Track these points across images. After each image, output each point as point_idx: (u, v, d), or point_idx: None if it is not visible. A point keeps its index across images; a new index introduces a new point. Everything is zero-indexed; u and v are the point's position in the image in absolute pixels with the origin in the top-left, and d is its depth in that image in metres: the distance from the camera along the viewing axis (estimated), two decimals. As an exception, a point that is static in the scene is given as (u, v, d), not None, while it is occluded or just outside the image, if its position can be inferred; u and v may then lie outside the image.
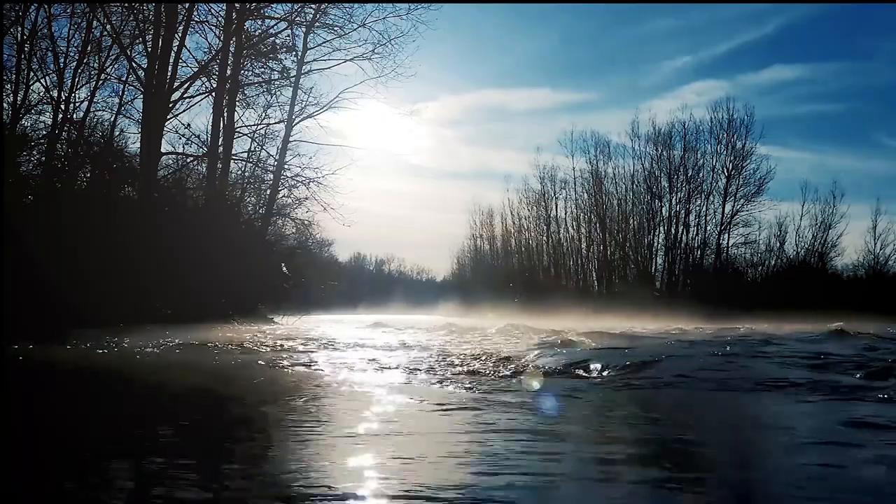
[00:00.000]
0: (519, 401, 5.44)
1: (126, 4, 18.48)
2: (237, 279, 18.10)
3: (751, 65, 78.45)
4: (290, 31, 21.69)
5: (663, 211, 46.24)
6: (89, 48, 18.23)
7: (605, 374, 7.17)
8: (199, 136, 21.02)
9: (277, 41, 21.88)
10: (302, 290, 23.90)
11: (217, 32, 20.58)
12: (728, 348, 10.32)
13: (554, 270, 51.99)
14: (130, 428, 4.35)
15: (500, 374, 7.13)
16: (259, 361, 8.44)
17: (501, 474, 3.08)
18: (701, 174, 45.28)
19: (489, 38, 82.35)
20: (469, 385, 6.31)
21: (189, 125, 21.00)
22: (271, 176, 22.91)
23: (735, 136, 44.49)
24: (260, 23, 21.84)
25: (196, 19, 20.11)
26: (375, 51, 21.04)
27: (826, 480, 3.11)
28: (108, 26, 18.26)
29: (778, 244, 44.47)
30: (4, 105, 16.17)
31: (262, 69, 22.26)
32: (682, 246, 45.49)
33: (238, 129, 21.52)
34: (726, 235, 44.64)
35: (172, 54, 18.90)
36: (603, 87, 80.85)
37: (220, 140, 20.57)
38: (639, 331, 18.24)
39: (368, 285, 76.62)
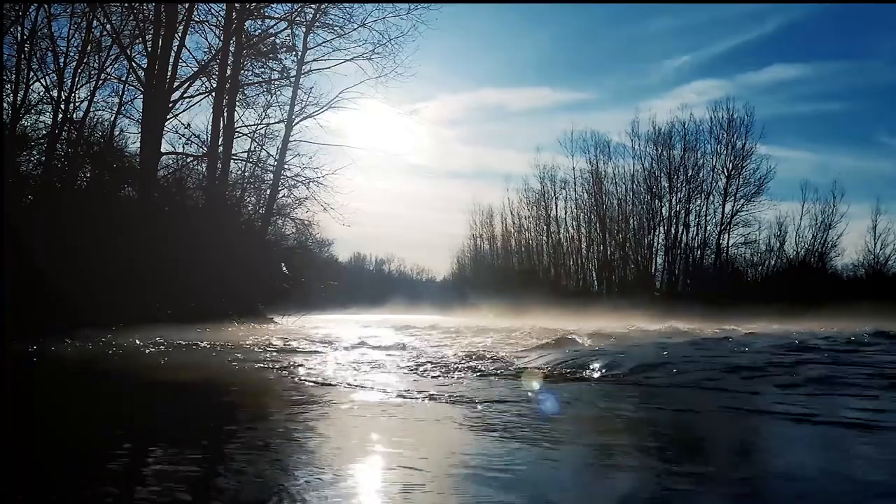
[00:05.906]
0: (519, 401, 5.43)
1: (126, 4, 18.50)
2: (237, 279, 18.11)
3: (751, 64, 78.62)
4: (290, 31, 21.77)
5: (663, 211, 46.35)
6: (89, 48, 18.24)
7: (604, 374, 7.17)
8: (199, 136, 21.08)
9: (277, 41, 21.95)
10: (302, 290, 23.91)
11: (217, 32, 20.63)
12: (728, 348, 10.31)
13: (554, 270, 52.04)
14: (130, 428, 4.35)
15: (500, 375, 7.13)
16: (257, 361, 8.43)
17: (500, 475, 3.08)
18: (701, 174, 45.39)
19: (489, 37, 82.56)
20: (468, 385, 6.31)
21: (189, 125, 21.11)
22: (271, 176, 22.96)
23: (735, 136, 44.61)
24: (260, 23, 21.90)
25: (196, 19, 20.16)
26: (375, 51, 21.14)
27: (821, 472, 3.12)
28: (108, 26, 18.29)
29: (778, 244, 44.54)
30: (4, 105, 16.18)
31: (262, 69, 22.32)
32: (682, 246, 45.54)
33: (238, 129, 21.56)
34: (726, 235, 44.74)
35: (172, 54, 18.93)
36: (603, 86, 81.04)
37: (220, 140, 20.58)
38: (639, 331, 18.23)
39: (368, 285, 76.66)
